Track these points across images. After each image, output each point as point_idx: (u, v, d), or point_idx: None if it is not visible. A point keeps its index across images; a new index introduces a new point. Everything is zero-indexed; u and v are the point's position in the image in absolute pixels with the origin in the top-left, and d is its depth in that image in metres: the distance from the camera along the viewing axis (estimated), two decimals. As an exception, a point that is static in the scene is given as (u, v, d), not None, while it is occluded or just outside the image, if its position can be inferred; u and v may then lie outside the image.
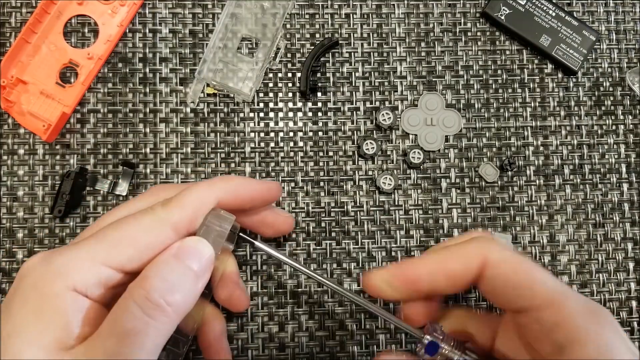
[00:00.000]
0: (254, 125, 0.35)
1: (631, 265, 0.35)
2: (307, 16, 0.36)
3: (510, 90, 0.36)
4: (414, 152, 0.35)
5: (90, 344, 0.21)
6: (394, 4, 0.36)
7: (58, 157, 0.34)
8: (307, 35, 0.36)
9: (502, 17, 0.36)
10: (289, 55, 0.36)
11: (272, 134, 0.35)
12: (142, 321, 0.21)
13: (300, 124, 0.35)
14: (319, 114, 0.35)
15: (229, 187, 0.25)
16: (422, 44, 0.36)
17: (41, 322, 0.21)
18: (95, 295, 0.22)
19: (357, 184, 0.35)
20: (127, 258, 0.22)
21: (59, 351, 0.20)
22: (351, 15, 0.36)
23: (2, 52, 0.34)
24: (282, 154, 0.35)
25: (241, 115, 0.35)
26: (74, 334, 0.21)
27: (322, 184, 0.35)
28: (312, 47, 0.35)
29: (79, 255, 0.22)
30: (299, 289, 0.34)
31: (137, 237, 0.23)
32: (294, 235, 0.34)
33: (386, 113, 0.35)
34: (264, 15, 0.35)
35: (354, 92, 0.36)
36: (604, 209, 0.36)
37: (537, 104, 0.36)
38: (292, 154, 0.35)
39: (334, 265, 0.34)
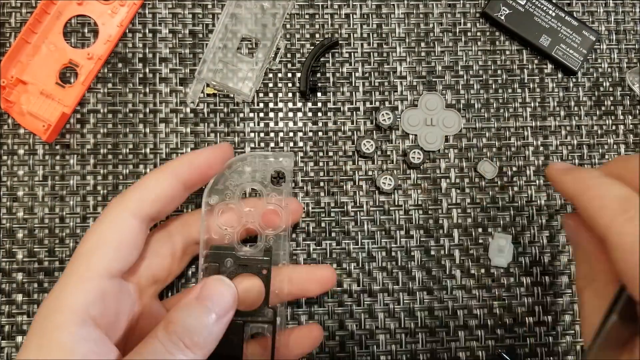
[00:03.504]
0: (254, 125, 0.35)
1: (631, 265, 0.35)
2: (307, 16, 0.36)
3: (510, 91, 0.36)
4: (414, 152, 0.35)
5: None
6: (394, 4, 0.36)
7: (58, 157, 0.34)
8: (307, 35, 0.36)
9: (502, 17, 0.36)
10: (288, 55, 0.36)
11: (272, 134, 0.35)
12: (162, 355, 0.22)
13: (300, 124, 0.35)
14: (319, 114, 0.35)
15: (182, 162, 0.27)
16: (422, 44, 0.36)
17: (44, 356, 0.22)
18: (99, 312, 0.23)
19: (357, 184, 0.35)
20: (108, 260, 0.24)
21: None
22: (351, 15, 0.36)
23: (2, 52, 0.34)
24: (282, 154, 0.35)
25: (241, 115, 0.35)
26: None
27: (322, 184, 0.35)
28: (312, 47, 0.35)
29: (69, 281, 0.24)
30: (299, 289, 0.34)
31: (106, 237, 0.25)
32: (294, 235, 0.34)
33: (386, 113, 0.35)
34: (264, 15, 0.35)
35: (353, 92, 0.36)
36: (604, 209, 0.36)
37: (537, 104, 0.36)
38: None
39: (334, 266, 0.34)
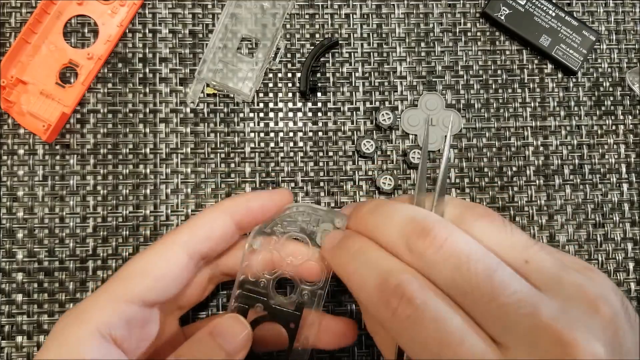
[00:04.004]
0: (254, 125, 0.35)
1: (631, 265, 0.35)
2: (307, 16, 0.36)
3: (510, 91, 0.36)
4: (414, 152, 0.35)
5: None
6: (394, 4, 0.36)
7: (58, 157, 0.34)
8: (307, 35, 0.36)
9: (502, 17, 0.36)
10: (288, 55, 0.36)
11: (272, 134, 0.35)
12: None
13: (300, 124, 0.35)
14: (319, 114, 0.35)
15: (238, 202, 0.26)
16: (422, 44, 0.36)
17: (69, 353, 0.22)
18: (122, 335, 0.23)
19: (357, 184, 0.35)
20: (145, 288, 0.24)
21: None
22: (351, 15, 0.36)
23: (2, 52, 0.34)
24: (282, 154, 0.35)
25: (241, 115, 0.35)
26: None
27: (322, 184, 0.35)
28: (312, 47, 0.35)
29: (100, 298, 0.23)
30: (299, 289, 0.34)
31: (151, 266, 0.24)
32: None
33: (386, 113, 0.35)
34: (263, 15, 0.35)
35: (353, 92, 0.36)
36: (604, 209, 0.36)
37: (537, 104, 0.36)
38: (292, 154, 0.35)
39: (334, 266, 0.34)
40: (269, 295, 0.27)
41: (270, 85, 0.35)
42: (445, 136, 0.32)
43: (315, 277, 0.27)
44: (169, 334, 0.28)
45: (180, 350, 0.23)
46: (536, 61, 0.37)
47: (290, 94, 0.36)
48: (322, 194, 0.35)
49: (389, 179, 0.34)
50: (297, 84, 0.35)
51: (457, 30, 0.37)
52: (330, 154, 0.35)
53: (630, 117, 0.36)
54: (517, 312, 0.18)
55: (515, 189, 0.35)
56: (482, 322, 0.19)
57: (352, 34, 0.36)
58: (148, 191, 0.34)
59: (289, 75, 0.36)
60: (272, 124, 0.35)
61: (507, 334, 0.18)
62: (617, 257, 0.35)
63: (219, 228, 0.26)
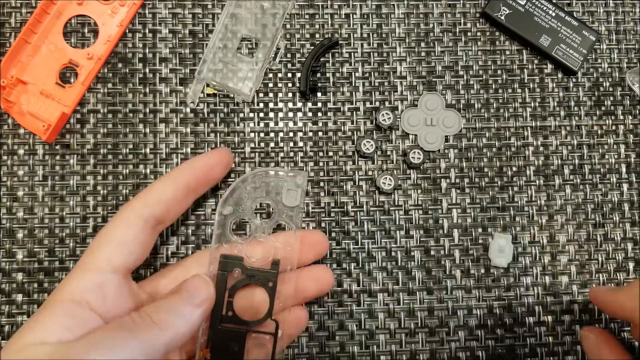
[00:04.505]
0: (254, 125, 0.35)
1: (631, 265, 0.35)
2: (307, 16, 0.36)
3: (510, 91, 0.36)
4: (414, 152, 0.35)
5: (75, 341, 0.23)
6: (394, 4, 0.36)
7: (58, 157, 0.34)
8: (307, 35, 0.36)
9: (502, 17, 0.36)
10: (288, 55, 0.36)
11: (272, 134, 0.35)
12: (129, 327, 0.24)
13: (300, 124, 0.35)
14: (319, 114, 0.35)
15: (183, 166, 0.29)
16: (422, 44, 0.36)
17: (29, 325, 0.24)
18: (96, 301, 0.25)
19: (357, 184, 0.35)
20: (111, 255, 0.26)
21: (36, 346, 0.23)
22: (351, 15, 0.36)
23: (2, 52, 0.34)
24: (282, 154, 0.35)
25: (241, 115, 0.35)
26: (55, 335, 0.24)
27: (322, 184, 0.35)
28: (312, 47, 0.35)
29: (74, 270, 0.26)
30: (299, 289, 0.34)
31: (112, 234, 0.27)
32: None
33: (386, 113, 0.35)
34: (264, 15, 0.35)
35: (353, 92, 0.36)
36: (604, 209, 0.36)
37: (537, 104, 0.36)
38: (292, 154, 0.35)
39: (334, 266, 0.34)
40: (244, 259, 0.29)
41: (270, 85, 0.35)
42: None
43: (286, 237, 0.30)
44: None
45: (147, 306, 0.25)
46: (536, 61, 0.37)
47: (290, 94, 0.36)
48: (322, 194, 0.35)
49: (389, 179, 0.34)
50: (297, 84, 0.35)
51: (457, 30, 0.37)
52: (330, 154, 0.35)
53: (630, 117, 0.36)
54: None
55: (515, 189, 0.35)
56: None
57: (352, 34, 0.36)
58: (148, 191, 0.34)
59: (289, 75, 0.36)
60: (272, 124, 0.35)
61: None
62: (617, 257, 0.35)
63: (168, 192, 0.28)
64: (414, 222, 0.35)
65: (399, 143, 0.35)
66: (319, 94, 0.36)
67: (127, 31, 0.35)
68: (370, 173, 0.35)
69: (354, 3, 0.36)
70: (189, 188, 0.29)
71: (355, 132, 0.35)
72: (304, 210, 0.34)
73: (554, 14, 0.36)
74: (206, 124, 0.35)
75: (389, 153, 0.35)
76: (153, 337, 0.23)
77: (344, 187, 0.35)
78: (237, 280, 0.29)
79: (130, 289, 0.27)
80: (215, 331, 0.28)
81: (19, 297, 0.33)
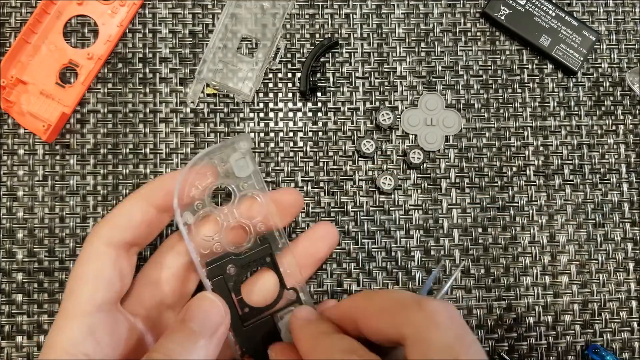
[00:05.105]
0: (254, 125, 0.35)
1: (631, 265, 0.35)
2: (307, 16, 0.36)
3: (510, 90, 0.36)
4: (414, 152, 0.35)
5: None
6: (394, 4, 0.36)
7: (58, 157, 0.34)
8: (307, 35, 0.36)
9: (502, 17, 0.36)
10: (288, 55, 0.36)
11: (272, 134, 0.35)
12: None
13: (300, 124, 0.35)
14: (319, 114, 0.35)
15: (154, 186, 0.26)
16: (422, 44, 0.36)
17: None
18: (93, 347, 0.23)
19: (357, 184, 0.35)
20: (90, 296, 0.24)
21: None
22: (351, 15, 0.36)
23: (2, 52, 0.34)
24: (282, 154, 0.35)
25: (241, 115, 0.35)
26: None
27: (322, 184, 0.35)
28: (312, 47, 0.35)
29: (58, 322, 0.24)
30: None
31: (86, 272, 0.25)
32: (294, 236, 0.34)
33: (386, 113, 0.35)
34: (264, 15, 0.35)
35: (353, 92, 0.36)
36: (604, 209, 0.36)
37: (537, 104, 0.36)
38: (292, 154, 0.35)
39: (334, 265, 0.34)
40: (229, 253, 0.27)
41: (270, 85, 0.35)
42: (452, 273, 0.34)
43: (258, 208, 0.28)
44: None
45: (156, 347, 0.23)
46: (536, 61, 0.37)
47: (290, 94, 0.36)
48: (322, 194, 0.35)
49: (389, 179, 0.34)
50: (297, 84, 0.35)
51: (457, 30, 0.37)
52: (330, 154, 0.35)
53: (630, 117, 0.36)
54: None
55: (515, 189, 0.35)
56: None
57: (352, 34, 0.36)
58: (148, 191, 0.34)
59: (289, 75, 0.36)
60: (272, 124, 0.35)
61: None
62: (617, 257, 0.35)
63: (137, 215, 0.25)
64: (414, 222, 0.35)
65: (399, 143, 0.35)
66: (319, 94, 0.36)
67: (127, 31, 0.35)
68: (370, 173, 0.35)
69: (354, 3, 0.36)
70: (159, 209, 0.26)
71: (355, 132, 0.35)
72: (261, 173, 0.31)
73: (554, 14, 0.36)
74: (206, 124, 0.35)
75: (389, 153, 0.35)
76: None
77: (344, 187, 0.35)
78: (235, 275, 0.27)
79: (121, 320, 0.25)
80: (243, 335, 0.26)
81: (19, 297, 0.33)
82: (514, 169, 0.36)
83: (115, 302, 0.25)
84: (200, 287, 0.29)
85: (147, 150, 0.34)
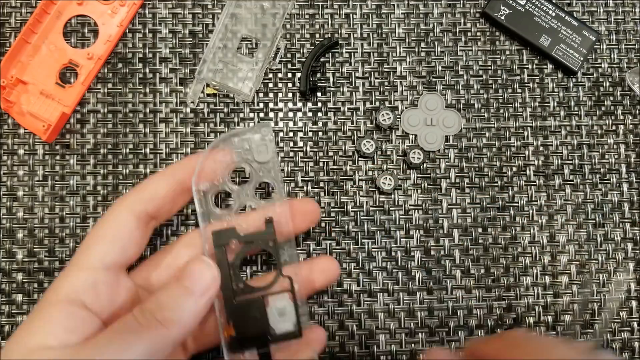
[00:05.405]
0: (254, 125, 0.35)
1: (631, 265, 0.35)
2: (307, 16, 0.36)
3: (510, 91, 0.36)
4: (414, 152, 0.35)
5: (81, 345, 0.23)
6: (394, 4, 0.36)
7: (58, 157, 0.34)
8: (307, 35, 0.36)
9: (502, 17, 0.36)
10: (288, 55, 0.36)
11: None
12: (134, 328, 0.23)
13: (300, 124, 0.35)
14: (319, 114, 0.35)
15: (182, 164, 0.29)
16: (422, 44, 0.36)
17: (31, 328, 0.24)
18: (91, 299, 0.25)
19: (357, 184, 0.35)
20: (103, 253, 0.26)
21: (42, 350, 0.23)
22: (351, 15, 0.36)
23: (2, 52, 0.34)
24: (281, 154, 0.35)
25: (241, 115, 0.35)
26: (57, 338, 0.24)
27: (322, 184, 0.35)
28: (312, 47, 0.35)
29: (67, 270, 0.26)
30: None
31: (104, 232, 0.26)
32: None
33: (386, 113, 0.35)
34: (264, 15, 0.35)
35: (354, 92, 0.36)
36: (604, 209, 0.36)
37: (537, 104, 0.36)
38: (292, 154, 0.35)
39: (334, 266, 0.34)
40: (237, 227, 0.28)
41: (270, 85, 0.35)
42: None
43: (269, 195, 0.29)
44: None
45: (150, 298, 0.25)
46: (536, 61, 0.37)
47: (290, 94, 0.36)
48: (322, 194, 0.35)
49: (389, 179, 0.34)
50: (297, 84, 0.35)
51: (457, 30, 0.37)
52: (330, 154, 0.35)
53: (630, 117, 0.36)
54: None
55: (515, 189, 0.35)
56: None
57: (352, 34, 0.36)
58: (148, 191, 0.34)
59: (289, 75, 0.36)
60: (272, 124, 0.35)
61: None
62: (617, 257, 0.35)
63: (162, 189, 0.28)
64: (414, 222, 0.35)
65: (399, 143, 0.35)
66: (319, 94, 0.36)
67: (127, 31, 0.35)
68: (370, 173, 0.35)
69: (354, 3, 0.36)
70: (184, 186, 0.28)
71: (355, 132, 0.35)
72: (279, 161, 0.33)
73: (554, 14, 0.36)
74: (206, 124, 0.35)
75: (389, 153, 0.35)
76: (160, 337, 0.23)
77: (344, 187, 0.35)
78: (236, 251, 0.28)
79: (124, 284, 0.27)
80: (231, 307, 0.27)
81: (19, 297, 0.33)
82: (514, 169, 0.36)
83: (122, 267, 0.27)
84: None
85: (147, 150, 0.34)
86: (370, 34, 0.36)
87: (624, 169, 0.36)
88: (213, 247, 0.28)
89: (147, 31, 0.35)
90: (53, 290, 0.25)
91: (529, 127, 0.36)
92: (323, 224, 0.34)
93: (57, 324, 0.24)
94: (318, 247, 0.34)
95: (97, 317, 0.25)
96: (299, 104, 0.35)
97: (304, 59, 0.35)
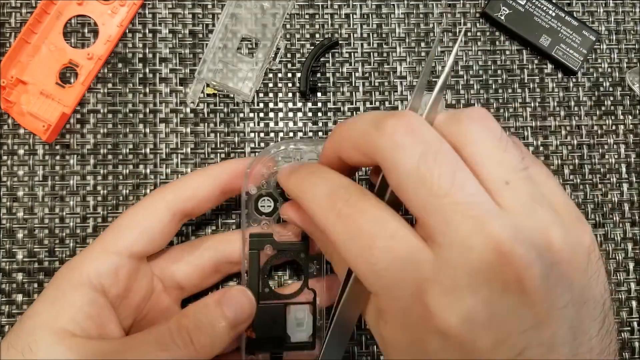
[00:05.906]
0: (254, 125, 0.35)
1: (631, 265, 0.35)
2: (307, 16, 0.36)
3: (510, 91, 0.36)
4: (414, 152, 0.35)
5: (110, 343, 0.24)
6: (394, 4, 0.36)
7: (58, 157, 0.34)
8: (307, 35, 0.36)
9: (502, 17, 0.36)
10: (288, 55, 0.36)
11: (272, 134, 0.35)
12: (166, 342, 0.23)
13: (300, 124, 0.35)
14: (319, 114, 0.35)
15: (224, 167, 0.29)
16: (422, 44, 0.36)
17: (54, 309, 0.24)
18: (109, 284, 0.25)
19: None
20: (132, 240, 0.26)
21: (68, 338, 0.23)
22: (351, 15, 0.36)
23: (2, 52, 0.34)
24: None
25: (241, 115, 0.35)
26: (79, 325, 0.24)
27: (322, 184, 0.35)
28: (312, 47, 0.35)
29: (93, 248, 0.26)
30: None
31: (138, 220, 0.27)
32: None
33: (386, 113, 0.35)
34: (264, 15, 0.35)
35: (354, 92, 0.36)
36: (604, 209, 0.36)
37: (537, 104, 0.36)
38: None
39: (334, 266, 0.34)
40: (275, 234, 0.29)
41: (270, 85, 0.35)
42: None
43: None
44: (168, 311, 0.29)
45: (187, 311, 0.25)
46: (536, 61, 0.37)
47: (290, 94, 0.36)
48: (322, 194, 0.35)
49: (389, 179, 0.34)
50: (297, 84, 0.35)
51: (457, 30, 0.37)
52: (330, 154, 0.35)
53: (630, 117, 0.36)
54: (464, 213, 0.18)
55: (515, 189, 0.35)
56: (424, 218, 0.19)
57: (352, 34, 0.36)
58: (148, 191, 0.34)
59: (289, 75, 0.36)
60: (272, 124, 0.35)
61: (445, 233, 0.18)
62: (617, 257, 0.35)
63: (204, 190, 0.28)
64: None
65: (399, 143, 0.35)
66: (319, 94, 0.36)
67: (127, 31, 0.35)
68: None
69: (354, 3, 0.36)
70: (225, 189, 0.28)
71: (355, 132, 0.35)
72: None
73: (554, 14, 0.36)
74: (206, 124, 0.35)
75: (389, 153, 0.35)
76: (187, 357, 0.23)
77: (344, 187, 0.35)
78: (269, 256, 0.29)
79: (143, 272, 0.27)
80: (255, 310, 0.28)
81: (19, 297, 0.33)
82: None
83: (146, 255, 0.28)
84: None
85: (147, 150, 0.34)
86: (370, 34, 0.36)
87: (624, 169, 0.36)
88: (249, 249, 0.29)
89: (147, 31, 0.35)
90: (77, 269, 0.25)
91: (529, 127, 0.36)
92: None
93: (80, 309, 0.24)
94: (318, 247, 0.34)
95: (110, 304, 0.25)
96: (299, 104, 0.35)
97: (304, 59, 0.35)
